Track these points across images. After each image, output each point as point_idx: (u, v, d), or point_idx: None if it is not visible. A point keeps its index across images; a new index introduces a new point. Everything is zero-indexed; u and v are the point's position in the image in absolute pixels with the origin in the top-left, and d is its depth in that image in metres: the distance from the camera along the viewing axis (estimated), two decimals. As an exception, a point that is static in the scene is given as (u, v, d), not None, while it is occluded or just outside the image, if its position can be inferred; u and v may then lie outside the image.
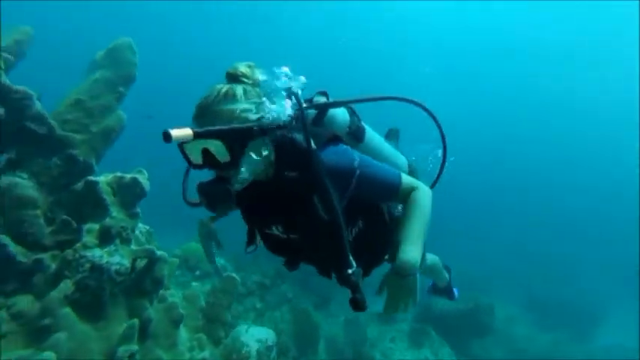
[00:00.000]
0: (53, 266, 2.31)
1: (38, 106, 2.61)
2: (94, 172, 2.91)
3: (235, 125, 0.94)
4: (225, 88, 0.99)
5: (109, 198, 2.51)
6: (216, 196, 0.99)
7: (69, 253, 2.30)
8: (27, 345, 1.95)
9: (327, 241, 1.08)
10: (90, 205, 2.52)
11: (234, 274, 2.97)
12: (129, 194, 2.60)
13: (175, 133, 0.87)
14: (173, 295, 2.70)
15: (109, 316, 2.31)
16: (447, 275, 2.12)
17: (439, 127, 1.33)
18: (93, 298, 2.25)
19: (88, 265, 2.27)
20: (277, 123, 1.01)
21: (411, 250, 1.06)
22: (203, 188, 1.00)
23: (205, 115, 0.97)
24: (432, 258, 1.90)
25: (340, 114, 1.24)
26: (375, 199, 1.23)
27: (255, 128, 0.96)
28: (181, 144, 0.97)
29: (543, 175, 22.41)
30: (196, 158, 0.98)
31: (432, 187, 1.38)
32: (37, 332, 2.01)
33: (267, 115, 1.01)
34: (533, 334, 7.97)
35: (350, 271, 1.05)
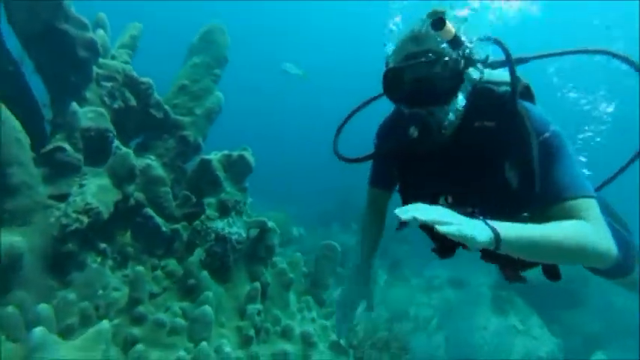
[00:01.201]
0: (185, 235, 2.63)
1: (156, 94, 2.90)
2: (202, 151, 3.20)
3: (456, 56, 0.87)
4: (441, 19, 0.90)
5: (221, 174, 2.75)
6: (425, 136, 0.89)
7: (197, 224, 2.60)
8: (181, 299, 2.29)
9: (508, 217, 0.91)
10: (206, 181, 2.79)
11: (334, 243, 3.12)
12: (238, 170, 2.81)
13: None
14: (281, 261, 2.94)
15: (234, 279, 2.60)
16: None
17: None
18: (221, 264, 2.54)
19: (213, 235, 2.55)
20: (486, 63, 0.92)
21: (511, 236, 0.82)
22: (417, 118, 0.90)
23: (425, 40, 0.90)
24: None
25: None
26: (532, 188, 0.95)
27: (469, 68, 0.90)
28: (393, 71, 0.92)
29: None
30: (403, 90, 0.91)
31: (600, 188, 1.18)
32: (186, 290, 2.34)
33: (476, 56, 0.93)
34: (633, 306, 7.33)
35: None
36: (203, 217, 2.62)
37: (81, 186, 2.25)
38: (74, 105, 2.25)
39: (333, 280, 3.18)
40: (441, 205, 1.07)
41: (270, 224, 2.71)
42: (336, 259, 3.15)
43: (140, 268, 2.07)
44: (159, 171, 2.67)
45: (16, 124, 1.93)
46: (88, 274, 2.21)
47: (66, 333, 1.80)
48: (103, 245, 2.35)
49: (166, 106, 2.99)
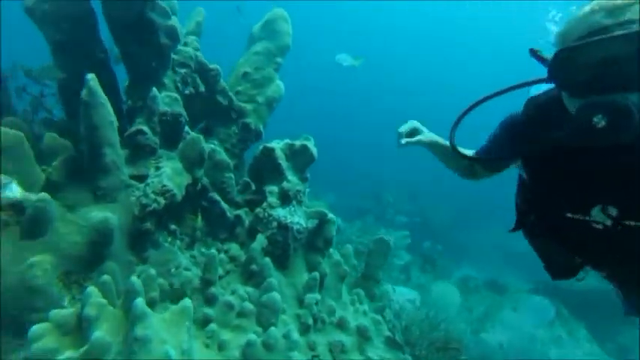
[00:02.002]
0: (247, 221, 2.70)
1: (222, 81, 2.96)
2: (262, 138, 3.26)
3: None
4: None
5: (283, 163, 2.78)
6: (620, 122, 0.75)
7: (259, 211, 2.65)
8: (244, 283, 2.37)
9: None
10: (268, 169, 2.83)
11: (386, 237, 3.10)
12: (300, 160, 2.84)
13: None
14: (335, 252, 2.96)
15: (293, 268, 2.65)
16: None
17: None
18: (281, 252, 2.59)
19: (275, 224, 2.60)
20: None
21: None
22: (605, 104, 0.76)
23: (623, 10, 0.76)
24: None
25: None
26: None
27: None
28: (574, 50, 0.78)
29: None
30: (586, 73, 0.77)
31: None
32: (248, 275, 2.41)
33: None
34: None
35: None
36: (265, 204, 2.67)
37: (157, 168, 2.35)
38: (154, 90, 2.34)
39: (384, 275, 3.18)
40: (592, 218, 0.92)
41: (330, 216, 2.73)
42: (387, 254, 3.14)
43: (214, 251, 2.15)
44: (223, 156, 2.74)
45: (110, 108, 2.03)
46: (162, 252, 2.32)
47: (149, 305, 1.90)
48: (173, 226, 2.46)
49: (230, 93, 3.05)
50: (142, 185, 2.28)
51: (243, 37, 3.54)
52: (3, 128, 1.91)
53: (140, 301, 1.51)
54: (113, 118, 2.08)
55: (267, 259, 2.43)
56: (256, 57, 3.34)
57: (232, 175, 2.78)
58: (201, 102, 2.88)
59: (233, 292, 2.26)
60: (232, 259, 2.54)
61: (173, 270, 2.24)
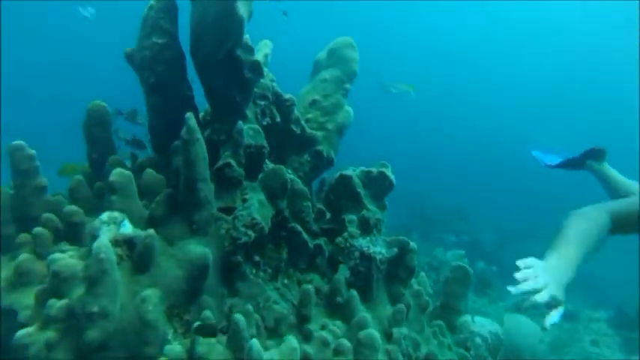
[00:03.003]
0: (327, 251, 2.66)
1: (296, 110, 3.01)
2: (333, 166, 3.25)
3: None
4: None
5: (361, 191, 2.74)
6: None
7: (340, 241, 2.61)
8: (329, 316, 2.31)
9: None
10: (345, 197, 2.80)
11: (466, 265, 2.94)
12: (378, 187, 2.79)
13: None
14: (414, 281, 2.84)
15: (376, 299, 2.56)
16: None
17: None
18: (364, 283, 2.52)
19: (357, 254, 2.54)
20: None
21: None
22: None
23: None
24: None
25: None
26: None
27: None
28: None
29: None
30: None
31: None
32: (333, 307, 2.36)
33: None
34: None
35: None
36: (346, 234, 2.63)
37: (244, 200, 2.38)
38: (240, 124, 2.40)
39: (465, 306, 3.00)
40: None
41: (412, 245, 2.63)
42: (468, 283, 2.97)
43: (309, 286, 2.12)
44: (301, 185, 2.75)
45: (204, 144, 2.10)
46: (249, 284, 2.33)
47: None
48: (257, 258, 2.47)
49: (303, 122, 3.09)
50: (229, 218, 2.32)
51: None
52: (117, 168, 2.03)
53: (256, 344, 1.50)
54: (205, 153, 2.15)
55: (354, 292, 2.37)
56: (324, 84, 3.38)
57: (310, 204, 2.77)
58: (277, 132, 2.93)
59: (323, 327, 2.21)
60: (317, 290, 2.49)
61: (262, 304, 2.23)
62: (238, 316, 1.73)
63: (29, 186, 2.21)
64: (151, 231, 1.91)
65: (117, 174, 2.01)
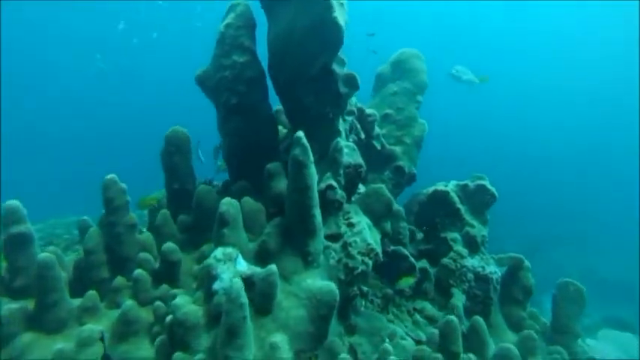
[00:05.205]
0: (432, 274, 2.42)
1: (377, 126, 2.84)
2: (415, 181, 3.06)
3: None
4: None
5: (462, 207, 2.53)
6: None
7: (449, 262, 2.38)
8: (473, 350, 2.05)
9: None
10: (441, 214, 2.59)
11: (576, 282, 2.69)
12: (477, 201, 2.58)
13: None
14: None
15: (495, 324, 2.31)
16: None
17: None
18: (482, 307, 2.27)
19: (471, 275, 2.31)
20: None
21: None
22: None
23: None
24: None
25: None
26: None
27: None
28: None
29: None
30: None
31: None
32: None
33: None
34: None
35: None
36: (452, 254, 2.41)
37: (351, 225, 2.17)
38: (340, 142, 2.22)
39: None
40: None
41: (526, 262, 2.40)
42: (583, 303, 2.70)
43: (453, 318, 1.88)
44: (397, 205, 2.54)
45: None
46: (366, 318, 2.09)
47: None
48: (365, 288, 2.24)
49: (382, 138, 2.91)
50: (337, 245, 2.10)
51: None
52: (227, 198, 1.83)
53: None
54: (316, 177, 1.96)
55: (479, 319, 2.12)
56: (394, 98, 3.22)
57: (406, 225, 2.56)
58: (360, 148, 2.75)
59: (458, 363, 1.95)
60: (430, 320, 2.25)
61: (387, 340, 1.98)
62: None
63: (122, 224, 2.01)
64: (273, 267, 1.69)
65: (227, 204, 1.80)
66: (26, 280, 1.69)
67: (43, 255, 1.62)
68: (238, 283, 1.46)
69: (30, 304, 1.62)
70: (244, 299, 1.44)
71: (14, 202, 1.69)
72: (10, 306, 1.54)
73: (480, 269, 2.29)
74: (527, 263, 2.40)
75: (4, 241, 1.65)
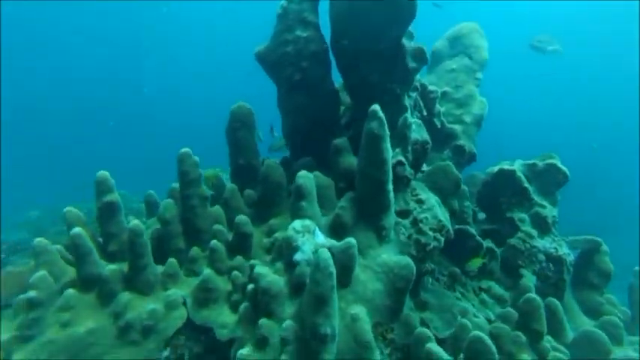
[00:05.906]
0: (498, 254, 2.36)
1: (438, 103, 2.76)
2: (475, 161, 2.97)
3: None
4: None
5: (530, 187, 2.43)
6: None
7: (517, 242, 2.31)
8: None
9: None
10: (507, 194, 2.50)
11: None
12: (546, 181, 2.47)
13: None
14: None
15: (568, 308, 2.23)
16: None
17: None
18: (555, 289, 2.19)
19: (541, 256, 2.23)
20: None
21: None
22: None
23: None
24: None
25: None
26: None
27: None
28: None
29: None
30: None
31: None
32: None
33: None
34: None
35: None
36: (521, 234, 2.33)
37: (420, 201, 2.13)
38: (408, 117, 2.16)
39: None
40: None
41: (604, 246, 2.29)
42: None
43: (535, 295, 1.83)
44: (462, 184, 2.47)
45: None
46: (434, 295, 2.07)
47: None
48: (431, 265, 2.21)
49: (443, 117, 2.83)
50: (405, 221, 2.08)
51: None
52: (303, 170, 1.83)
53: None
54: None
55: (555, 300, 2.05)
56: (452, 74, 3.11)
57: (470, 204, 2.49)
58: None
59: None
60: (499, 299, 2.20)
61: (459, 318, 1.95)
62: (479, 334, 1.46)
63: (196, 196, 2.06)
64: (352, 240, 1.69)
65: (304, 177, 1.81)
66: (117, 245, 1.77)
67: (134, 223, 1.68)
68: (326, 253, 1.47)
69: (124, 267, 1.70)
70: (332, 269, 1.44)
71: (104, 173, 1.76)
72: (110, 266, 1.63)
73: (552, 250, 2.21)
74: (605, 247, 2.29)
75: (97, 209, 1.74)
